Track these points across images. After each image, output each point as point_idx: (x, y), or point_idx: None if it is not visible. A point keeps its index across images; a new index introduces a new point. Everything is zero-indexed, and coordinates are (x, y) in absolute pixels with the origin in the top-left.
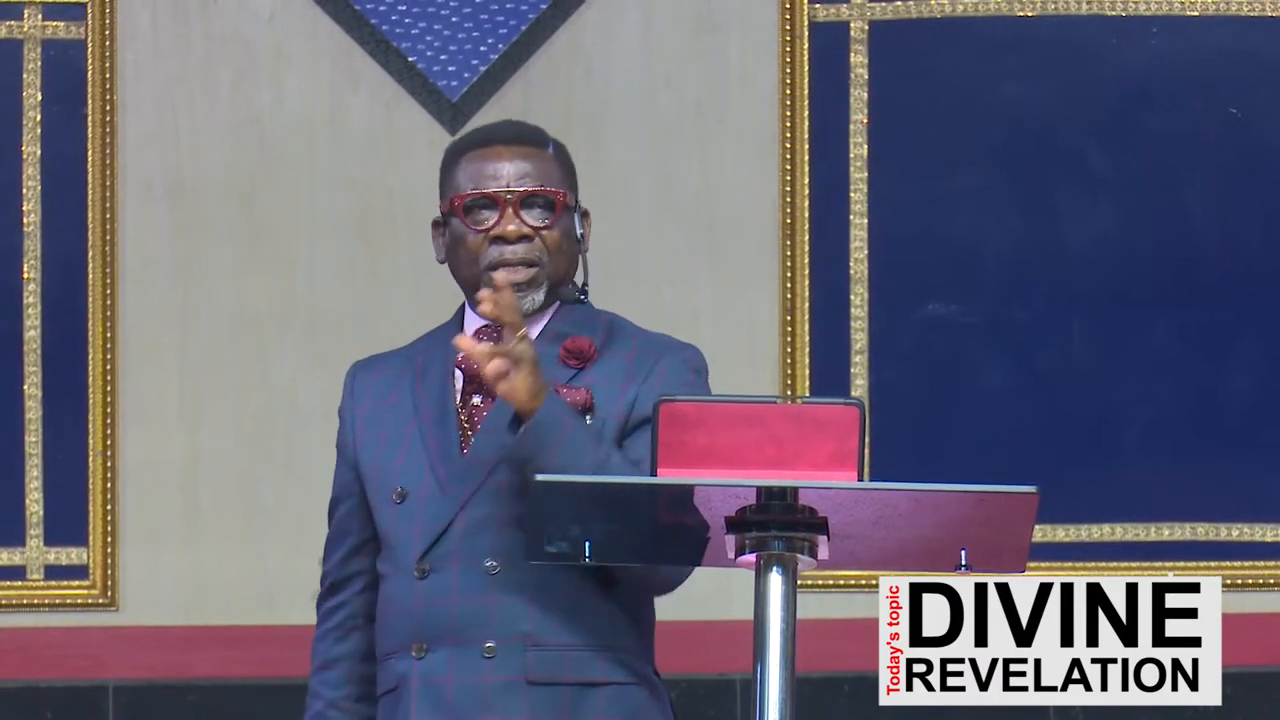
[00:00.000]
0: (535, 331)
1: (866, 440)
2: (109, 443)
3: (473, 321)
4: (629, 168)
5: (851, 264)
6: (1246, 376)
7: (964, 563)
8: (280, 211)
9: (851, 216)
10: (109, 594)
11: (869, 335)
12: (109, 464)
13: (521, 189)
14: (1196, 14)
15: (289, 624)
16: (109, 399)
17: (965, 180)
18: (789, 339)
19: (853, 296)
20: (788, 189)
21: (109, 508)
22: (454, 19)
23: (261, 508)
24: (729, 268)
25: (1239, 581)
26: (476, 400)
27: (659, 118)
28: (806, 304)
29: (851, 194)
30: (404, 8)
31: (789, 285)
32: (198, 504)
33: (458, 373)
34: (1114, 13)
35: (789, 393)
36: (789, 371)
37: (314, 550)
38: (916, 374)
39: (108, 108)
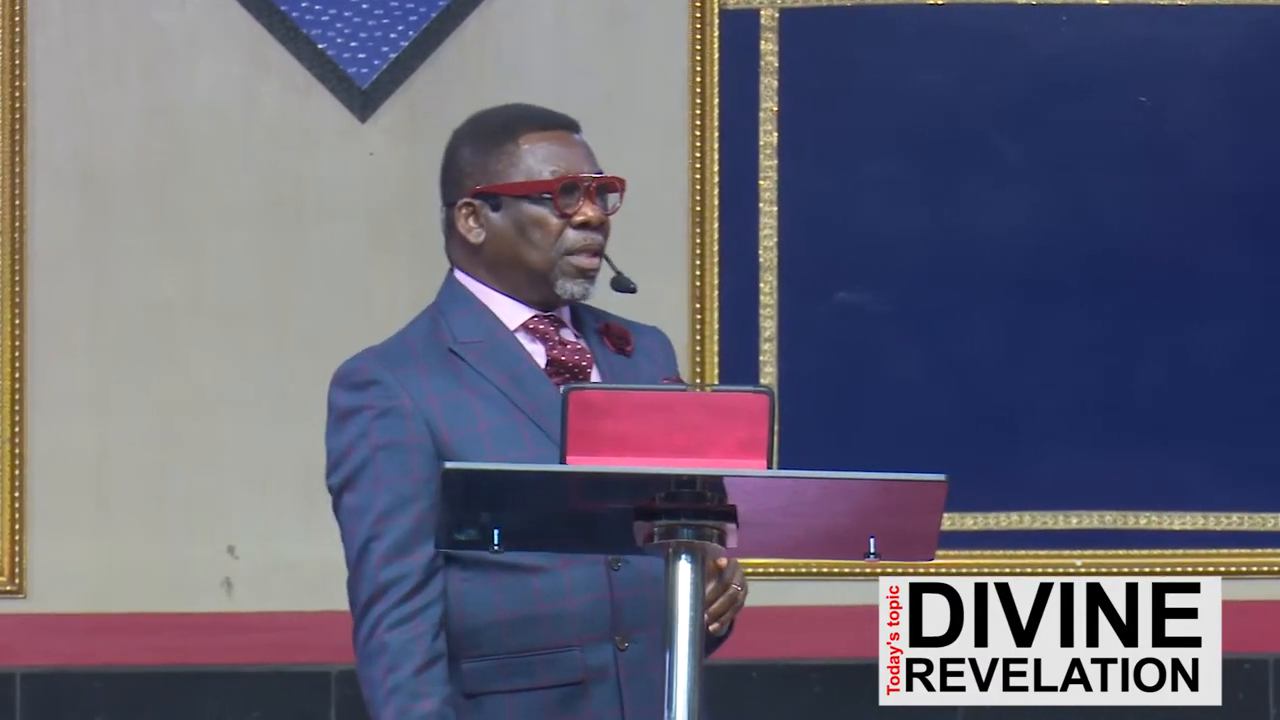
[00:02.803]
0: (567, 317)
1: (776, 428)
2: (17, 431)
3: (515, 311)
4: None
5: (761, 252)
6: (1156, 365)
7: (873, 550)
8: (191, 199)
9: (761, 204)
10: (16, 581)
11: (778, 323)
12: (17, 452)
13: (600, 175)
14: (1106, 3)
15: (197, 611)
16: (17, 387)
17: (875, 168)
18: (698, 327)
19: (762, 284)
20: (697, 177)
21: (17, 496)
22: (364, 6)
23: (170, 496)
24: (639, 256)
25: (1147, 570)
26: None
27: (569, 106)
28: (716, 292)
29: (761, 182)
30: None
31: (698, 273)
32: (106, 492)
33: (540, 359)
34: (1024, 1)
35: (698, 381)
36: (698, 359)
37: (222, 538)
38: (826, 362)
39: (17, 94)
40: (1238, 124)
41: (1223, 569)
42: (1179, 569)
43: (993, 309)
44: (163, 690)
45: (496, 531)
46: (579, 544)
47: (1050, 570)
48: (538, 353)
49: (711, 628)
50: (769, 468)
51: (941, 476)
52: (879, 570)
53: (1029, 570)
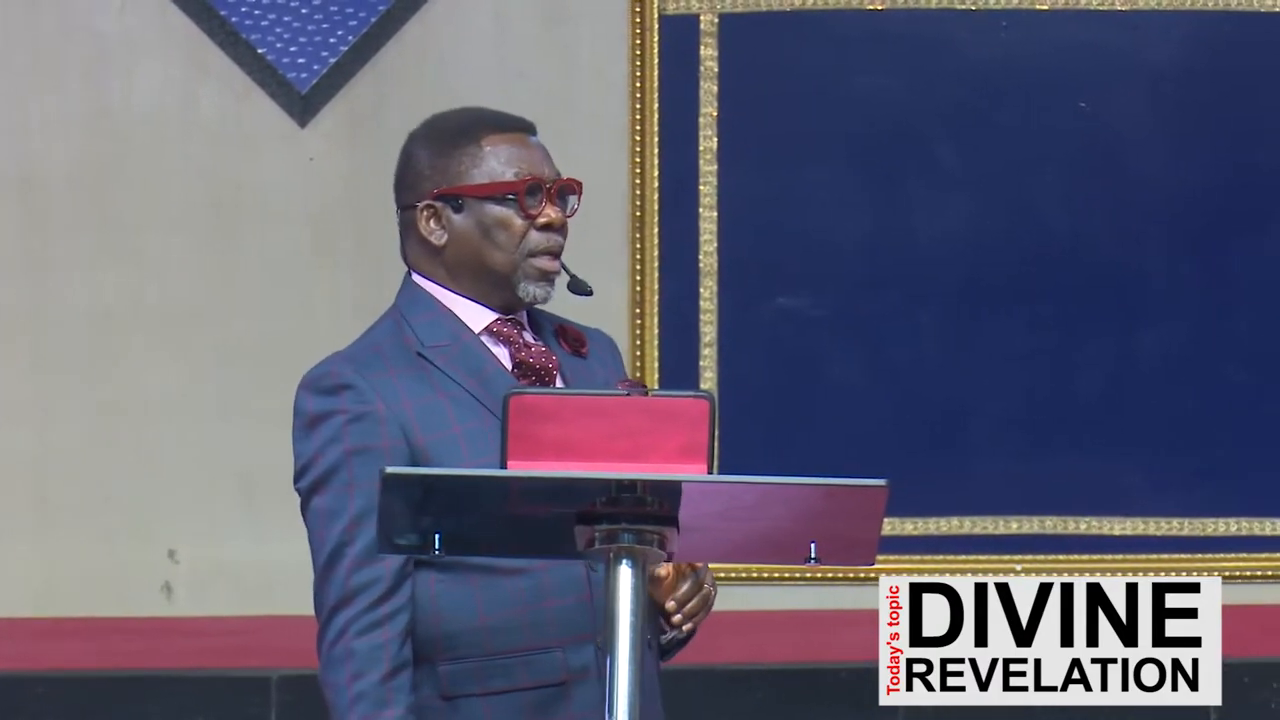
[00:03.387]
0: (524, 320)
1: (716, 433)
2: None
3: (477, 314)
4: None
5: (701, 257)
6: (1096, 371)
7: (813, 555)
8: (131, 204)
9: (701, 209)
10: None
11: (718, 328)
12: None
13: (560, 178)
14: (1046, 8)
15: (138, 616)
16: None
17: (815, 173)
18: (638, 331)
19: (702, 289)
20: (637, 182)
21: None
22: (304, 11)
23: (111, 501)
24: (579, 260)
25: (1087, 574)
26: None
27: (510, 109)
28: (656, 296)
29: (701, 187)
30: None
31: (638, 278)
32: (47, 496)
33: (506, 362)
34: (964, 7)
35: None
36: (638, 364)
37: (163, 543)
38: (766, 367)
39: None
40: (1177, 129)
41: (1162, 574)
42: (1118, 573)
43: (933, 314)
44: (104, 695)
45: (437, 536)
46: (520, 549)
47: (990, 575)
48: (502, 355)
49: (685, 627)
50: (709, 472)
51: (882, 481)
52: (824, 575)
53: (969, 575)
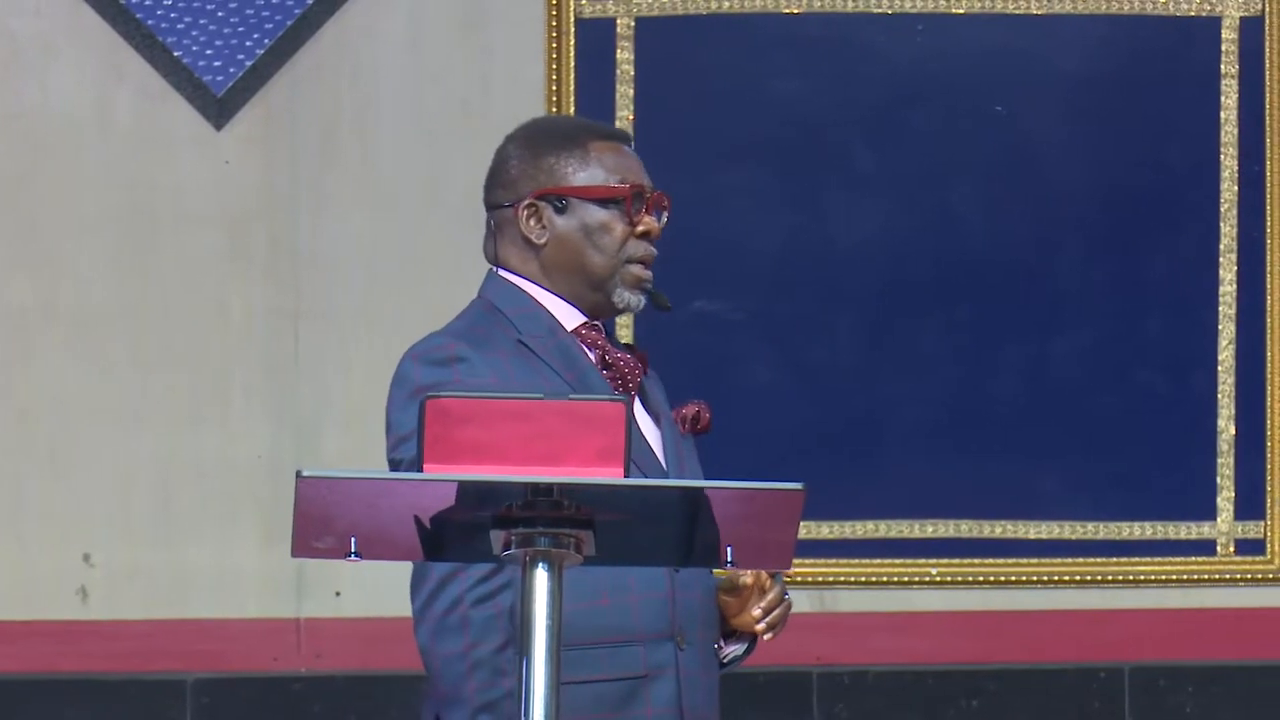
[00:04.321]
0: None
1: (633, 436)
2: None
3: (569, 313)
4: (396, 165)
5: None
6: (1012, 375)
7: (730, 559)
8: (46, 207)
9: None
10: None
11: (635, 331)
12: None
13: (659, 191)
14: (961, 12)
15: (54, 619)
16: None
17: (732, 177)
18: None
19: None
20: None
21: None
22: (220, 14)
23: (25, 504)
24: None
25: (1003, 579)
26: (637, 405)
27: (426, 114)
28: None
29: None
30: (170, 2)
31: None
32: None
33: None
34: (880, 10)
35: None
36: None
37: (78, 546)
38: (683, 369)
39: None
40: (1092, 134)
41: (1078, 578)
42: (1034, 578)
43: (849, 317)
44: (19, 698)
45: (354, 539)
46: (437, 552)
47: (905, 580)
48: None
49: (766, 637)
50: (626, 476)
51: (798, 485)
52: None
53: (884, 579)
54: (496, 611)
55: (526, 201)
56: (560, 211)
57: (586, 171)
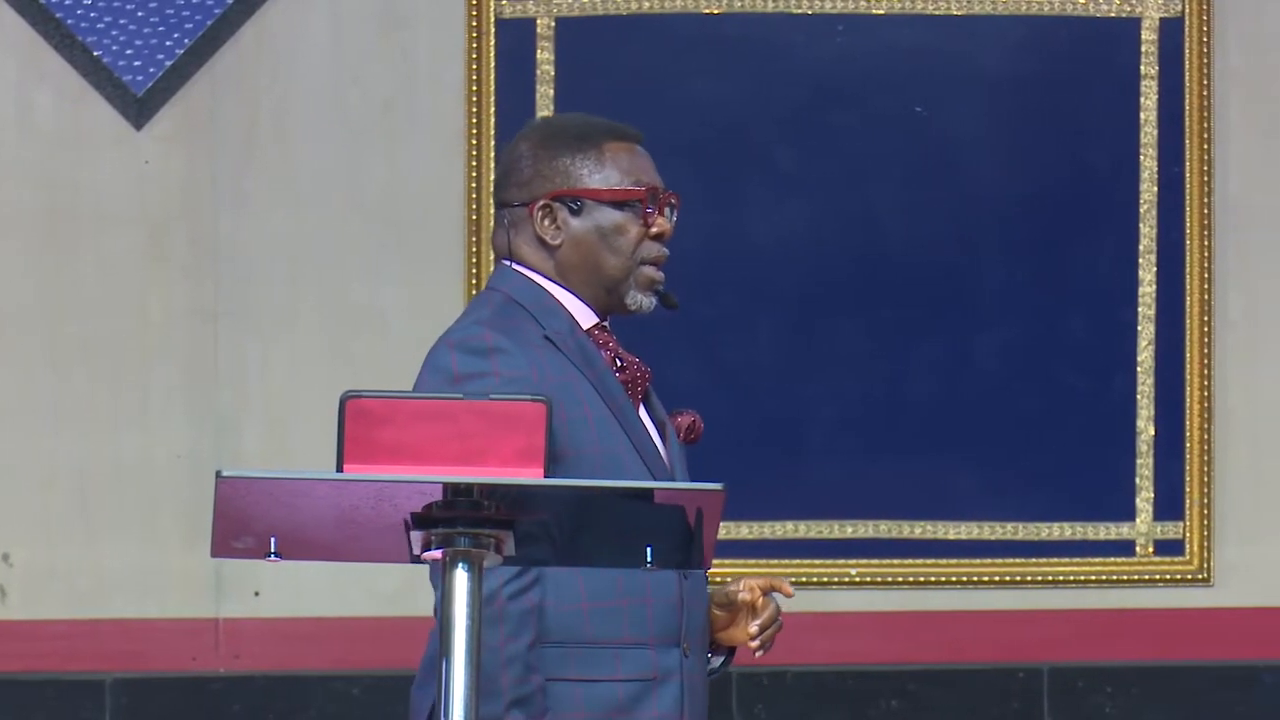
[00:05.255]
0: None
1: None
2: None
3: (584, 313)
4: (317, 164)
5: None
6: (931, 375)
7: (650, 560)
8: None
9: None
10: None
11: None
12: None
13: (671, 191)
14: (882, 12)
15: None
16: None
17: None
18: None
19: None
20: (474, 185)
21: None
22: (140, 13)
23: None
24: (416, 264)
25: (921, 579)
26: (643, 411)
27: (347, 114)
28: None
29: None
30: (90, 2)
31: (474, 280)
32: None
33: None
34: (800, 10)
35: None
36: None
37: None
38: None
39: None
40: (1012, 134)
41: (997, 578)
42: (953, 579)
43: (770, 317)
44: None
45: (273, 540)
46: (357, 553)
47: (825, 580)
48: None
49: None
50: (546, 476)
51: (718, 485)
52: None
53: (803, 580)
54: (530, 606)
55: (541, 202)
56: (575, 213)
57: (602, 173)
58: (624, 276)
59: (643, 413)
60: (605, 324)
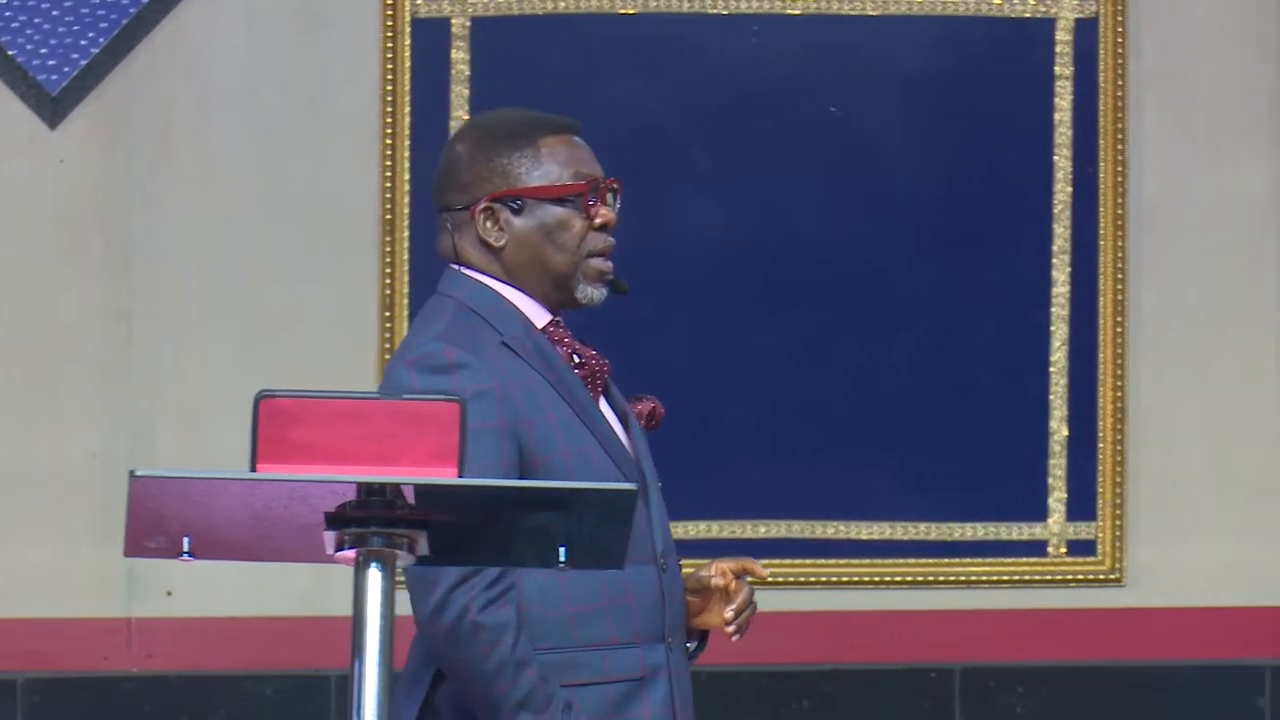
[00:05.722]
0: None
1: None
2: None
3: (537, 312)
4: (232, 164)
5: None
6: (846, 375)
7: (562, 560)
8: None
9: None
10: None
11: None
12: None
13: (612, 178)
14: (797, 13)
15: None
16: None
17: None
18: (388, 335)
19: None
20: (388, 185)
21: None
22: (54, 12)
23: None
24: (331, 264)
25: (833, 580)
26: (603, 404)
27: (262, 114)
28: (406, 299)
29: None
30: (4, 1)
31: (388, 280)
32: None
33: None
34: (715, 11)
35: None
36: None
37: None
38: None
39: None
40: (928, 134)
41: (909, 578)
42: (866, 579)
43: (685, 317)
44: None
45: (187, 539)
46: (270, 552)
47: None
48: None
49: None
50: (460, 476)
51: (631, 485)
52: None
53: None
54: (508, 612)
55: (483, 205)
56: (517, 212)
57: (540, 170)
58: (572, 271)
59: (604, 405)
60: (559, 319)
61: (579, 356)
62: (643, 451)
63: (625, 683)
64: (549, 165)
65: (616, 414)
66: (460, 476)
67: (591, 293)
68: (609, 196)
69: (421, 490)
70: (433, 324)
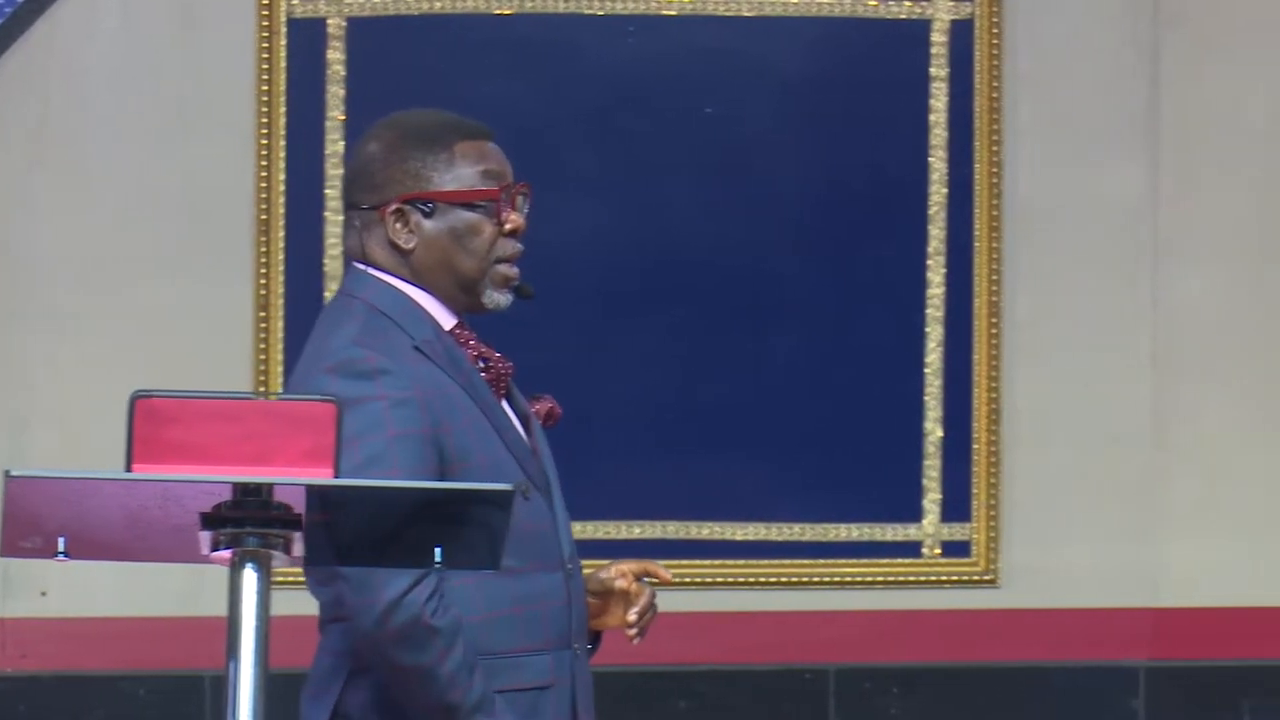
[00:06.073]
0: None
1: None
2: None
3: (445, 314)
4: (108, 163)
5: (326, 261)
6: (722, 376)
7: (438, 560)
8: None
9: (326, 213)
10: None
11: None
12: None
13: (523, 184)
14: (673, 14)
15: None
16: None
17: None
18: (263, 334)
19: (326, 293)
20: (263, 185)
21: None
22: None
23: None
24: (205, 264)
25: (709, 580)
26: (505, 404)
27: (138, 114)
28: (280, 299)
29: (327, 190)
30: None
31: (263, 280)
32: None
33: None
34: (592, 12)
35: (262, 389)
36: (262, 367)
37: None
38: None
39: None
40: (804, 135)
41: (784, 579)
42: (741, 579)
43: (564, 318)
44: None
45: (62, 540)
46: (146, 553)
47: None
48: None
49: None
50: (336, 476)
51: (508, 486)
52: None
53: None
54: (456, 616)
55: (393, 206)
56: (428, 215)
57: (452, 174)
58: (479, 276)
59: (506, 407)
60: (463, 322)
61: (484, 360)
62: (545, 454)
63: (532, 690)
64: (462, 169)
65: (519, 416)
66: (336, 476)
67: (498, 298)
68: (519, 201)
69: (296, 490)
70: (344, 327)
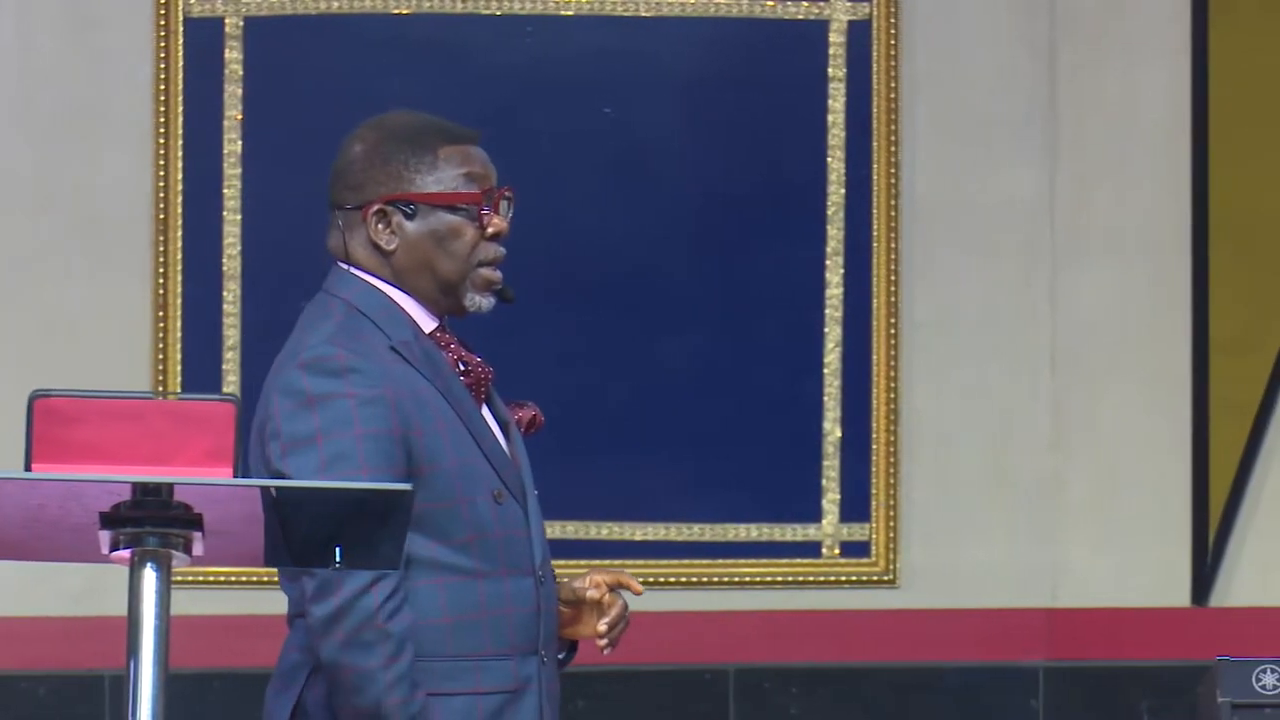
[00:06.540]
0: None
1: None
2: None
3: (425, 316)
4: (4, 163)
5: (225, 260)
6: (620, 376)
7: (338, 560)
8: None
9: (225, 213)
10: None
11: (241, 331)
12: None
13: (505, 188)
14: (570, 14)
15: None
16: None
17: None
18: (161, 334)
19: (225, 293)
20: (161, 185)
21: None
22: None
23: None
24: (103, 264)
25: None
26: (485, 410)
27: (37, 113)
28: (179, 299)
29: (225, 190)
30: None
31: (161, 280)
32: None
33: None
34: (489, 12)
35: (161, 388)
36: (160, 367)
37: None
38: None
39: None
40: (702, 135)
41: (683, 579)
42: (641, 579)
43: (464, 320)
44: None
45: None
46: (46, 552)
47: None
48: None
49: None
50: (236, 476)
51: (407, 485)
52: None
53: None
54: (409, 622)
55: (376, 207)
56: (410, 217)
57: (435, 176)
58: (460, 280)
59: (486, 413)
60: (445, 325)
61: (465, 364)
62: (523, 460)
63: (497, 695)
64: (445, 172)
65: (498, 421)
66: (235, 476)
67: (480, 301)
68: (502, 205)
69: (196, 490)
70: (322, 325)
